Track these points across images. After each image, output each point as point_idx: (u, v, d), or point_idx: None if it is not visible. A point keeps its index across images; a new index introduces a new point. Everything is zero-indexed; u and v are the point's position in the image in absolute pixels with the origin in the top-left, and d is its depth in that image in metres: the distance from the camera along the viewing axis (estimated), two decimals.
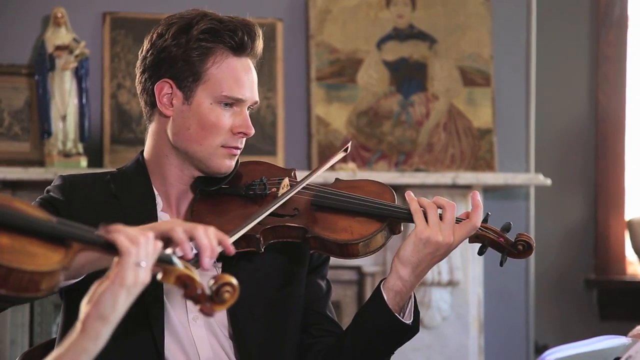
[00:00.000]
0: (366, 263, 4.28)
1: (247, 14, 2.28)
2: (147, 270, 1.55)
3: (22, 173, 3.96)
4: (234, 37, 2.18)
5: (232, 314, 2.18)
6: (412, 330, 2.20)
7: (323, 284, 2.33)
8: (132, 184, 2.24)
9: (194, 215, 2.20)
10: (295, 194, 2.19)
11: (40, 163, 4.08)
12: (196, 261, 1.76)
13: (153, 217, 2.19)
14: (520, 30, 4.61)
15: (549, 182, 4.46)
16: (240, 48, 2.19)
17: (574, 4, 4.91)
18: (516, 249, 2.18)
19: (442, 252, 2.15)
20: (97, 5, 4.22)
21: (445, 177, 4.30)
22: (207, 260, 1.78)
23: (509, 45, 4.58)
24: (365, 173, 4.25)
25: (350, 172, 4.19)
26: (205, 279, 1.65)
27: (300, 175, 2.30)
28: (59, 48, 4.04)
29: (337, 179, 2.31)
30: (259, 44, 2.23)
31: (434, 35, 4.48)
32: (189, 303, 2.17)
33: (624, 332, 2.06)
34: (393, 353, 2.25)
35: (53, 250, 1.51)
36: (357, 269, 4.34)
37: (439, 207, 2.16)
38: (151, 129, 2.26)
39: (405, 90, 4.45)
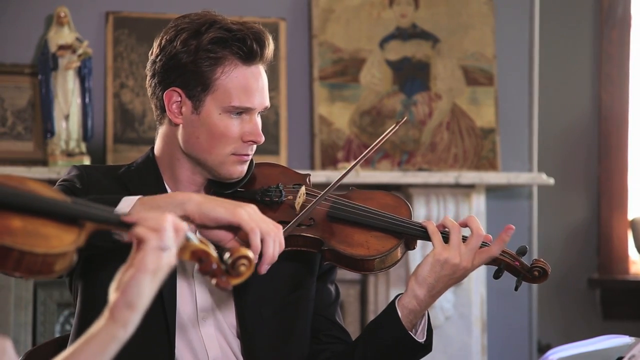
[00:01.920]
0: None
1: (250, 13, 2.26)
2: (170, 254, 1.56)
3: (25, 172, 3.95)
4: (242, 46, 2.17)
5: (240, 314, 2.19)
6: (424, 348, 2.22)
7: (332, 289, 2.34)
8: (143, 181, 2.23)
9: None
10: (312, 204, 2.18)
11: (44, 162, 4.08)
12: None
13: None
14: (523, 29, 4.60)
15: (552, 181, 4.45)
16: (249, 57, 2.18)
17: (577, 4, 4.90)
18: (532, 274, 2.20)
19: (459, 275, 2.17)
20: (100, 5, 4.22)
21: (448, 177, 4.30)
22: (265, 267, 1.95)
23: (512, 44, 4.58)
24: (368, 172, 4.25)
25: (353, 171, 4.18)
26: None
27: (314, 179, 2.29)
28: (62, 47, 4.04)
29: (352, 188, 2.31)
30: (269, 51, 2.21)
31: (437, 35, 4.48)
32: (199, 301, 2.17)
33: (627, 332, 2.06)
34: None
35: (66, 230, 1.51)
36: None
37: (466, 227, 2.17)
38: (162, 130, 2.25)
39: (408, 89, 4.44)
